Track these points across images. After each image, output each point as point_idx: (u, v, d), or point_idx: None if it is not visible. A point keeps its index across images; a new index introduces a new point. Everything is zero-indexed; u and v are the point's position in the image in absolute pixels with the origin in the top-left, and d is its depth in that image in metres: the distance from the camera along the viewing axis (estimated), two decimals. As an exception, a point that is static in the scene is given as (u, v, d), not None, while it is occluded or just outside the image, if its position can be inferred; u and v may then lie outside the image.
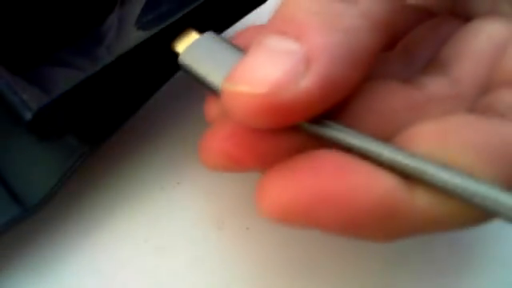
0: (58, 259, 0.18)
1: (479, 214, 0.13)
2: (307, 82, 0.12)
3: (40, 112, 0.15)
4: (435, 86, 0.15)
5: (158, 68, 0.18)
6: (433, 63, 0.16)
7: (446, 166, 0.12)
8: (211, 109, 0.16)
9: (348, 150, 0.13)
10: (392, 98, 0.15)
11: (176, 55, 0.16)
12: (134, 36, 0.17)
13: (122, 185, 0.20)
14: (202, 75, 0.15)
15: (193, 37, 0.17)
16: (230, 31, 0.19)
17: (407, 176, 0.12)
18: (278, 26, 0.13)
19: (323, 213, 0.12)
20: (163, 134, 0.21)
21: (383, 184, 0.12)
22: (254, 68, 0.13)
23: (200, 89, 0.16)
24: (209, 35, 0.16)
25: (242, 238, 0.19)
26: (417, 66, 0.16)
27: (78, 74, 0.16)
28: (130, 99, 0.19)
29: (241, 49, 0.16)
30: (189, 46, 0.16)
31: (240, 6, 0.19)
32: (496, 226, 0.13)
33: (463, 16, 0.17)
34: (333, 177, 0.12)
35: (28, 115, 0.15)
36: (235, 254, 0.19)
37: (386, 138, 0.14)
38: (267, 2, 0.20)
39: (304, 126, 0.13)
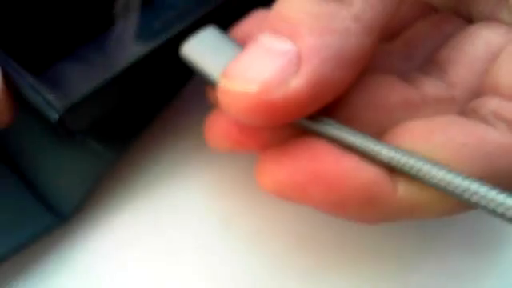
0: (60, 263, 0.18)
1: (454, 204, 0.14)
2: (297, 82, 0.13)
3: (66, 112, 0.15)
4: (432, 87, 0.15)
5: (180, 69, 0.18)
6: (432, 63, 0.16)
7: (426, 159, 0.13)
8: (212, 93, 0.17)
9: (339, 143, 0.14)
10: (390, 94, 0.15)
11: None
12: (156, 36, 0.17)
13: (127, 186, 0.20)
14: (200, 67, 0.16)
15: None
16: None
17: (391, 168, 0.14)
18: (273, 25, 0.14)
19: (314, 192, 0.14)
20: (170, 132, 0.21)
21: (369, 172, 0.14)
22: (246, 66, 0.13)
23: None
24: (210, 30, 0.16)
25: (250, 239, 0.19)
26: (416, 61, 0.17)
27: (101, 73, 0.16)
28: (153, 101, 0.18)
29: (239, 44, 0.16)
30: (190, 39, 0.16)
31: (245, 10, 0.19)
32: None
33: (466, 16, 0.17)
34: (325, 162, 0.14)
35: (54, 116, 0.15)
36: (243, 256, 0.18)
37: (381, 132, 0.15)
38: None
39: (298, 122, 0.14)
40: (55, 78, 0.16)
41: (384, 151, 0.14)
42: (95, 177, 0.18)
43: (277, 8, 0.14)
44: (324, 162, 0.14)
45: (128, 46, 0.17)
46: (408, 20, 0.18)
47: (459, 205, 0.14)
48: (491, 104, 0.14)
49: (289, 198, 0.14)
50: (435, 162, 0.13)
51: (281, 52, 0.13)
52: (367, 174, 0.14)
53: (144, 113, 0.19)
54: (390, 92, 0.15)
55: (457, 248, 0.19)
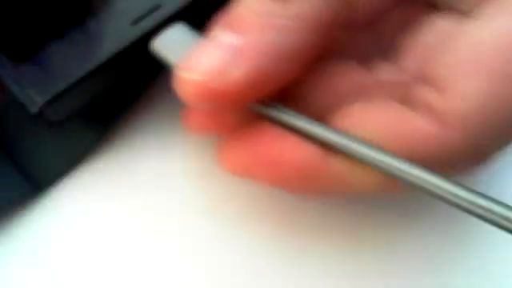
0: (52, 248, 0.19)
1: (384, 181, 0.15)
2: (236, 73, 0.14)
3: (45, 105, 0.16)
4: (386, 71, 0.17)
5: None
6: (391, 50, 0.17)
7: (357, 139, 0.15)
8: None
9: (286, 127, 0.16)
10: (343, 80, 0.17)
11: None
12: (132, 31, 0.18)
13: (117, 172, 0.20)
14: (165, 60, 0.17)
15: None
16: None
17: (326, 147, 0.15)
18: (225, 21, 0.15)
19: (260, 171, 0.16)
20: (157, 121, 0.22)
21: (304, 152, 0.15)
22: (198, 57, 0.15)
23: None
24: (179, 26, 0.18)
25: (236, 225, 0.20)
26: (381, 48, 0.18)
27: (81, 63, 0.17)
28: (132, 85, 0.19)
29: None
30: (160, 34, 0.18)
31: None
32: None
33: (434, 5, 0.18)
34: (266, 145, 0.16)
35: (34, 109, 0.16)
36: (229, 242, 0.19)
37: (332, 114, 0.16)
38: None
39: (251, 107, 0.16)
40: (39, 65, 0.17)
41: (319, 132, 0.15)
42: (76, 155, 0.19)
43: (233, 6, 0.16)
44: (265, 146, 0.16)
45: (111, 35, 0.18)
46: (381, 11, 0.18)
47: (392, 182, 0.15)
48: (424, 93, 0.15)
49: (240, 176, 0.17)
50: (364, 141, 0.15)
51: (226, 45, 0.15)
52: (303, 152, 0.16)
53: (124, 97, 0.20)
54: (344, 78, 0.17)
55: (435, 229, 0.20)
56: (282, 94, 0.16)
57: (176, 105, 0.20)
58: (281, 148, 0.16)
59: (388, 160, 0.14)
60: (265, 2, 0.15)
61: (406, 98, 0.16)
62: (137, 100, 0.20)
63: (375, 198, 0.20)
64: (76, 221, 0.20)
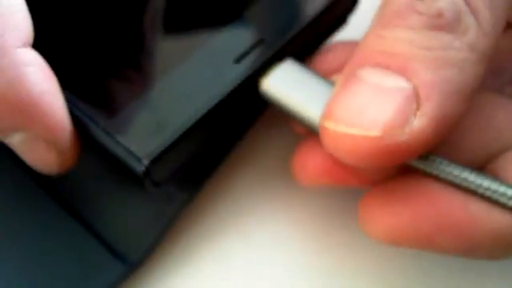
0: None
1: None
2: (421, 122, 0.12)
3: (151, 163, 0.13)
4: None
5: (254, 104, 0.16)
6: None
7: None
8: (299, 127, 0.16)
9: (450, 182, 0.13)
10: (496, 112, 0.15)
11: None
12: (237, 71, 0.15)
13: (199, 227, 0.18)
14: (287, 105, 0.15)
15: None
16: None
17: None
18: (376, 59, 0.13)
19: (441, 240, 0.13)
20: (255, 175, 0.19)
21: (497, 215, 0.13)
22: (360, 107, 0.12)
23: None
24: (289, 62, 0.15)
25: (269, 250, 0.18)
26: (507, 76, 0.16)
27: (185, 111, 0.14)
28: (228, 136, 0.17)
29: (324, 77, 0.15)
30: (270, 74, 0.15)
31: (324, 31, 0.18)
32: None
33: None
34: (452, 208, 0.13)
35: (140, 168, 0.13)
36: (262, 266, 0.17)
37: (491, 156, 0.14)
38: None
39: (410, 164, 0.14)
40: (137, 116, 0.14)
41: (507, 192, 0.13)
42: (166, 220, 0.17)
43: (377, 41, 0.13)
44: (451, 208, 0.13)
45: (214, 76, 0.15)
46: None
47: None
48: None
49: (405, 245, 0.14)
50: None
51: (395, 90, 0.12)
52: (496, 217, 0.13)
53: (219, 149, 0.17)
54: (495, 110, 0.15)
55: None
56: None
57: (278, 154, 0.18)
58: (470, 211, 0.13)
59: None
60: (430, 34, 0.12)
61: None
62: (232, 150, 0.18)
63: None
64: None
